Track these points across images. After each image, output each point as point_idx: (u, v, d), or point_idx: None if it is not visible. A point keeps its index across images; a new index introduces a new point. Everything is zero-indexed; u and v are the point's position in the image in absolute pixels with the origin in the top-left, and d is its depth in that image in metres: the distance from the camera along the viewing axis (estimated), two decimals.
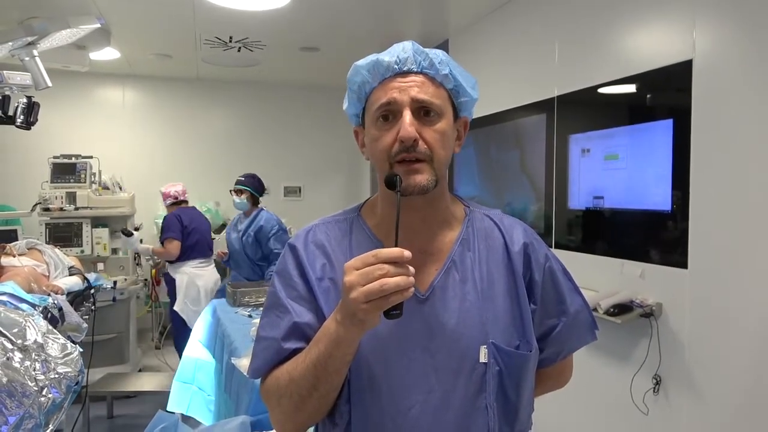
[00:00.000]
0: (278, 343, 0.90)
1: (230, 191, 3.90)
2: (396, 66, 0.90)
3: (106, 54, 4.31)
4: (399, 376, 0.89)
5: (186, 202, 4.35)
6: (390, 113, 0.89)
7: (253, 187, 3.88)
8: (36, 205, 4.01)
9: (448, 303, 0.92)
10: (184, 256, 4.13)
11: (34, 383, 1.60)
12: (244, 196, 3.85)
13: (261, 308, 1.00)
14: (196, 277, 4.18)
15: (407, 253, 0.75)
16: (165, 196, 4.29)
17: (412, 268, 0.76)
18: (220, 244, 4.54)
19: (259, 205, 3.95)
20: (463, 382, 0.90)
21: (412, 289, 0.76)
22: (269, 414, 0.95)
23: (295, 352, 0.90)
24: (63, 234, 4.11)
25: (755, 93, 1.88)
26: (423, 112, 0.89)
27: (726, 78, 1.98)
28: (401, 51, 0.91)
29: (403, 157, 0.87)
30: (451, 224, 0.99)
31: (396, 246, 0.77)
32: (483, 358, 0.90)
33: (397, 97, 0.88)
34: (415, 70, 0.90)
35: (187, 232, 4.14)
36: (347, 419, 0.90)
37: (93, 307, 3.07)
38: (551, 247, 2.85)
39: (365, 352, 0.88)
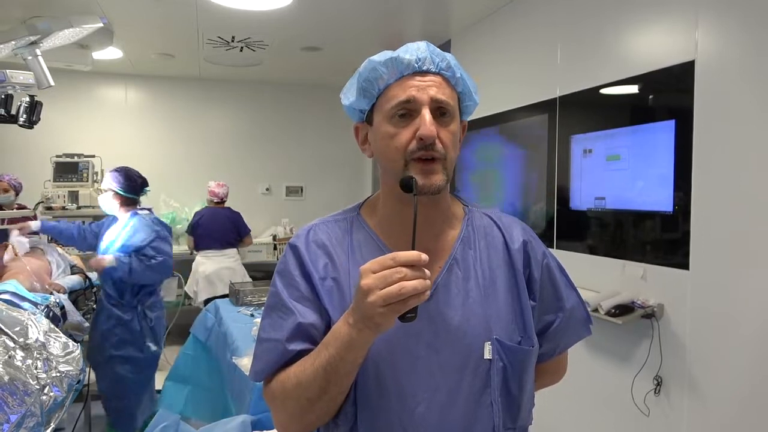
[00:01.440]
0: (282, 344, 0.90)
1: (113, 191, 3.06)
2: (416, 65, 0.90)
3: (109, 53, 4.32)
4: (405, 374, 0.89)
5: (221, 202, 4.91)
6: (408, 111, 0.89)
7: (118, 184, 3.02)
8: (38, 204, 4.02)
9: (452, 300, 0.92)
10: (196, 247, 4.81)
11: (35, 382, 1.60)
12: (107, 195, 3.03)
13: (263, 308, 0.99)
14: (199, 264, 4.77)
15: (425, 257, 0.75)
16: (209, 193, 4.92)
17: (427, 271, 0.76)
18: None
19: (135, 208, 3.08)
20: (468, 379, 0.90)
21: (428, 292, 0.76)
22: (273, 416, 0.94)
23: (300, 353, 0.89)
24: None
25: (758, 94, 1.88)
26: (440, 112, 0.90)
27: (728, 79, 1.98)
28: (418, 50, 0.91)
29: (421, 155, 0.87)
30: (451, 223, 0.99)
31: (413, 248, 0.77)
32: (487, 355, 0.90)
33: (417, 96, 0.88)
34: (434, 70, 0.91)
35: (195, 227, 4.77)
36: (353, 421, 0.89)
37: (95, 306, 3.08)
38: (552, 247, 2.84)
39: (371, 352, 0.88)
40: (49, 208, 4.06)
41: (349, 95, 0.97)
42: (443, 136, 0.89)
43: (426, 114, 0.87)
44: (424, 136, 0.86)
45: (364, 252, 0.95)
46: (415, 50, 0.91)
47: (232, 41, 4.13)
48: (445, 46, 4.01)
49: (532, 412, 0.99)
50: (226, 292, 3.92)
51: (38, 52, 2.15)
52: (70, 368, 1.76)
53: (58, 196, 4.09)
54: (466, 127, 1.01)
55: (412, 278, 0.74)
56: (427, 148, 0.87)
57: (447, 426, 0.89)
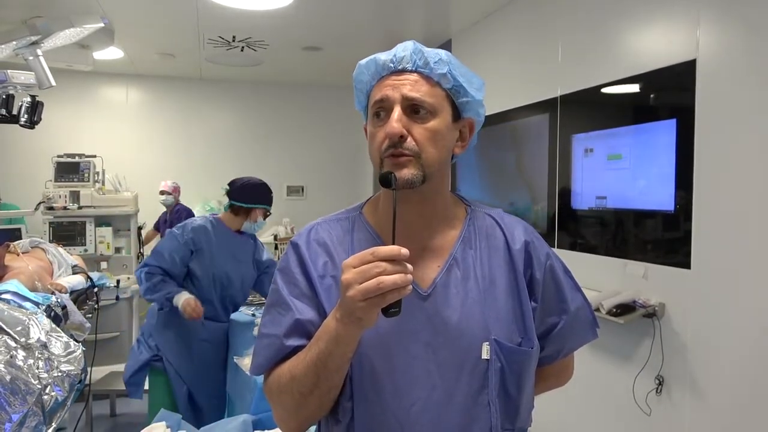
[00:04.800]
0: (280, 340, 0.91)
1: (268, 212, 2.80)
2: (391, 64, 0.92)
3: (110, 53, 4.32)
4: (401, 372, 0.89)
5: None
6: (383, 110, 0.91)
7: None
8: (40, 203, 4.02)
9: (451, 300, 0.92)
10: None
11: (37, 381, 1.60)
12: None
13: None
14: None
15: (404, 251, 0.75)
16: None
17: (410, 266, 0.76)
18: None
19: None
20: (466, 379, 0.90)
21: (410, 287, 0.76)
22: (273, 412, 0.96)
23: (297, 349, 0.90)
24: (66, 233, 4.12)
25: (759, 93, 1.87)
26: (414, 109, 0.90)
27: (730, 78, 1.97)
28: (400, 50, 0.92)
29: (391, 153, 0.88)
30: (452, 223, 0.99)
31: (393, 243, 0.77)
32: (485, 355, 0.90)
33: (390, 95, 0.90)
34: (410, 68, 0.91)
35: None
36: (350, 416, 0.90)
37: (96, 306, 3.07)
38: (554, 247, 2.84)
39: (368, 349, 0.88)
40: (51, 208, 4.06)
41: (355, 98, 1.01)
42: (417, 133, 0.89)
43: (395, 112, 0.88)
44: (388, 133, 0.88)
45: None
46: (395, 50, 0.93)
47: (233, 41, 4.13)
48: (446, 46, 4.01)
49: (531, 414, 0.99)
50: None
51: (39, 52, 2.15)
52: (72, 368, 1.76)
53: (60, 196, 4.09)
54: (473, 124, 1.00)
55: (392, 272, 0.74)
56: (396, 146, 0.88)
57: (443, 425, 0.89)
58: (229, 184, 2.76)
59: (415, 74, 0.91)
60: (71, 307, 2.39)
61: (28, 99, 2.47)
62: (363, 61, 0.95)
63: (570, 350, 1.05)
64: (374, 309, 0.76)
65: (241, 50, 4.36)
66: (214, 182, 5.39)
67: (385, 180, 0.86)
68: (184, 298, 2.56)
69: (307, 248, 0.96)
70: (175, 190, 4.98)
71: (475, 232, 0.99)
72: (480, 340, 0.90)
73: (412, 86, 0.90)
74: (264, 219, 2.80)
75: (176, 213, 4.89)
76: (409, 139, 0.88)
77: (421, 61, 0.91)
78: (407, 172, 0.88)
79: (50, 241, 3.36)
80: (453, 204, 1.01)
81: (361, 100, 0.99)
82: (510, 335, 0.92)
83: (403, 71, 0.91)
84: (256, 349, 0.95)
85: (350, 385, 0.89)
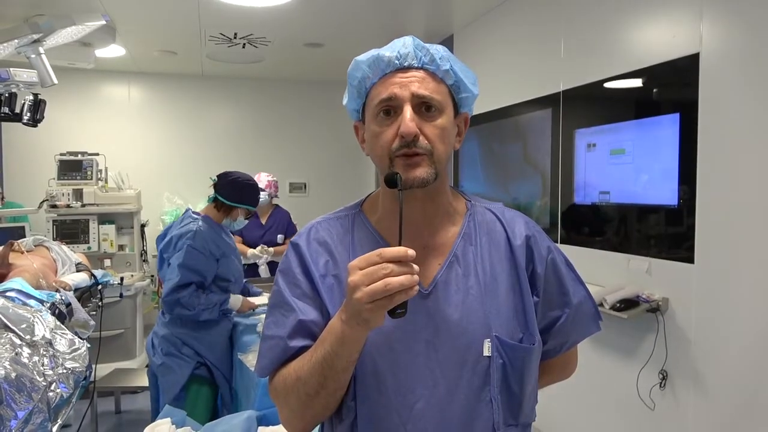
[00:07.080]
0: (284, 341, 0.91)
1: (251, 213, 2.78)
2: (397, 61, 0.90)
3: (112, 51, 4.32)
4: (404, 370, 0.89)
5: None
6: (391, 108, 0.89)
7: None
8: (43, 202, 4.03)
9: (451, 297, 0.92)
10: None
11: (42, 378, 1.61)
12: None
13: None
14: None
15: (411, 252, 0.75)
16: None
17: (416, 267, 0.76)
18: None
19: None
20: (468, 376, 0.90)
21: (417, 287, 0.75)
22: (278, 412, 0.96)
23: (302, 349, 0.90)
24: (70, 231, 4.13)
25: (762, 87, 1.87)
26: (424, 107, 0.89)
27: (733, 72, 1.97)
28: (402, 46, 0.91)
29: (404, 152, 0.87)
30: (453, 219, 0.99)
31: (400, 244, 0.77)
32: (487, 352, 0.90)
33: (398, 93, 0.88)
34: (416, 65, 0.90)
35: None
36: (353, 415, 0.90)
37: (100, 304, 3.08)
38: (557, 242, 2.84)
39: (370, 347, 0.88)
40: (54, 206, 4.07)
41: (345, 95, 0.99)
42: (428, 131, 0.88)
43: (407, 111, 0.87)
44: (403, 133, 0.86)
45: (365, 249, 0.94)
46: (397, 47, 0.91)
47: (235, 38, 4.12)
48: (448, 42, 4.00)
49: (535, 409, 0.99)
50: None
51: (41, 50, 2.16)
52: (77, 365, 1.76)
53: (63, 194, 4.10)
54: (468, 119, 1.00)
55: (399, 274, 0.74)
56: (409, 145, 0.87)
57: (446, 422, 0.89)
58: (218, 176, 2.68)
59: (421, 71, 0.90)
60: (75, 304, 2.40)
61: (31, 97, 2.47)
62: (361, 58, 0.93)
63: (573, 343, 1.05)
64: (381, 310, 0.76)
65: (243, 47, 4.35)
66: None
67: (391, 180, 0.85)
68: (239, 302, 2.58)
69: (307, 248, 0.96)
70: (270, 186, 3.92)
71: (475, 228, 0.98)
72: (481, 337, 0.90)
73: (420, 84, 0.89)
74: (245, 219, 2.71)
75: (279, 216, 4.03)
76: (421, 137, 0.87)
77: (427, 57, 0.90)
78: (422, 172, 0.87)
79: (54, 239, 3.37)
80: (453, 199, 1.01)
81: (355, 97, 0.96)
82: (511, 332, 0.92)
83: (409, 68, 0.90)
84: (260, 351, 0.95)
85: (353, 383, 0.89)
